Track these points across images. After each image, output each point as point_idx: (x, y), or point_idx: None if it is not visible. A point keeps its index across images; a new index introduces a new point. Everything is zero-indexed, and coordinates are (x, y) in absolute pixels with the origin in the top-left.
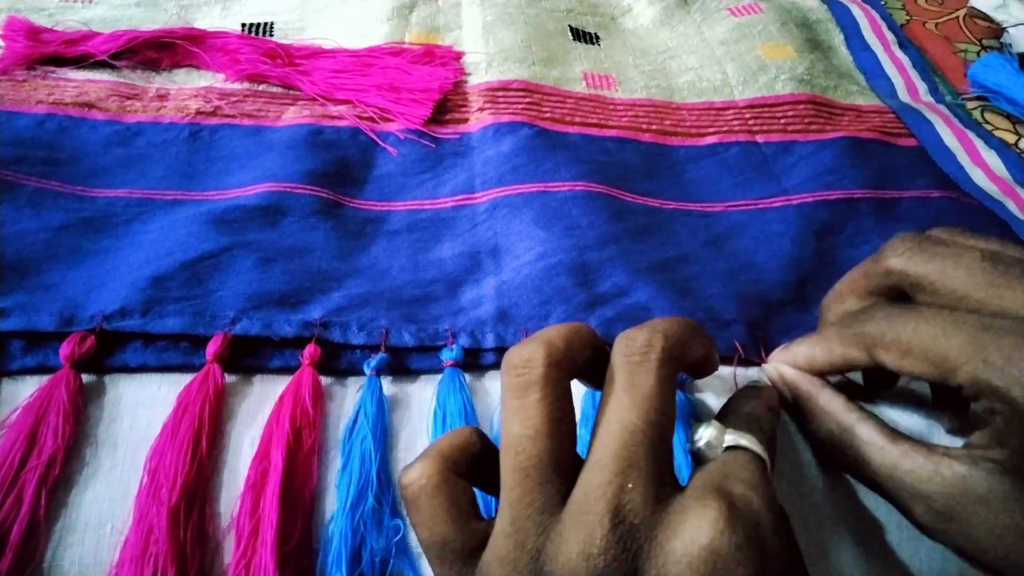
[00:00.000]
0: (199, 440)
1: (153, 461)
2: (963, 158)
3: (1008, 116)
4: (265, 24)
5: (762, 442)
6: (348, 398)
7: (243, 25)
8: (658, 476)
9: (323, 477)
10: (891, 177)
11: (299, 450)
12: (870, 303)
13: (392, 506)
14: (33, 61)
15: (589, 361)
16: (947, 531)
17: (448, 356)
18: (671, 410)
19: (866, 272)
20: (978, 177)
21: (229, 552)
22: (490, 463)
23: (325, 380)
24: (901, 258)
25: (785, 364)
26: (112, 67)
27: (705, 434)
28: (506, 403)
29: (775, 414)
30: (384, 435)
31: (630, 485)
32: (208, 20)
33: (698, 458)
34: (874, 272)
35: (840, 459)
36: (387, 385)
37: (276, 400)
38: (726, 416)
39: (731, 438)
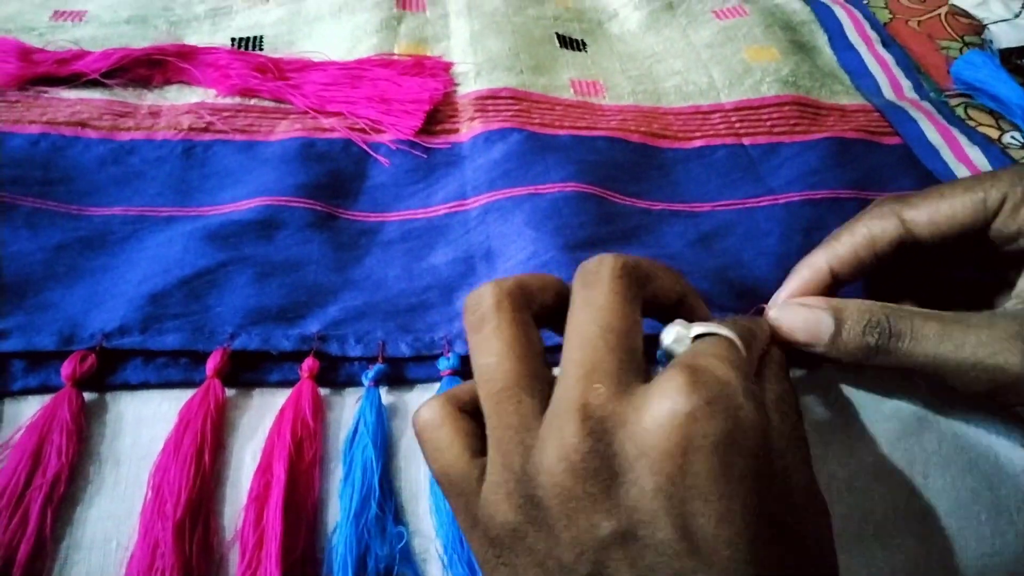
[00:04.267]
0: (202, 455)
1: (157, 477)
2: (947, 155)
3: (991, 112)
4: (255, 38)
5: (734, 329)
6: (347, 409)
7: (233, 40)
8: (624, 374)
9: (325, 488)
10: (875, 177)
11: (300, 462)
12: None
13: (395, 513)
14: (25, 81)
15: (552, 306)
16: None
17: (445, 365)
18: (630, 317)
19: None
20: (962, 174)
21: (234, 564)
22: None
23: (324, 392)
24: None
25: (796, 293)
26: (104, 85)
27: (671, 332)
28: (469, 342)
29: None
30: (384, 444)
31: (596, 385)
32: (198, 36)
33: (670, 357)
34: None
35: (879, 362)
36: (385, 395)
37: (276, 413)
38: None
39: (699, 328)
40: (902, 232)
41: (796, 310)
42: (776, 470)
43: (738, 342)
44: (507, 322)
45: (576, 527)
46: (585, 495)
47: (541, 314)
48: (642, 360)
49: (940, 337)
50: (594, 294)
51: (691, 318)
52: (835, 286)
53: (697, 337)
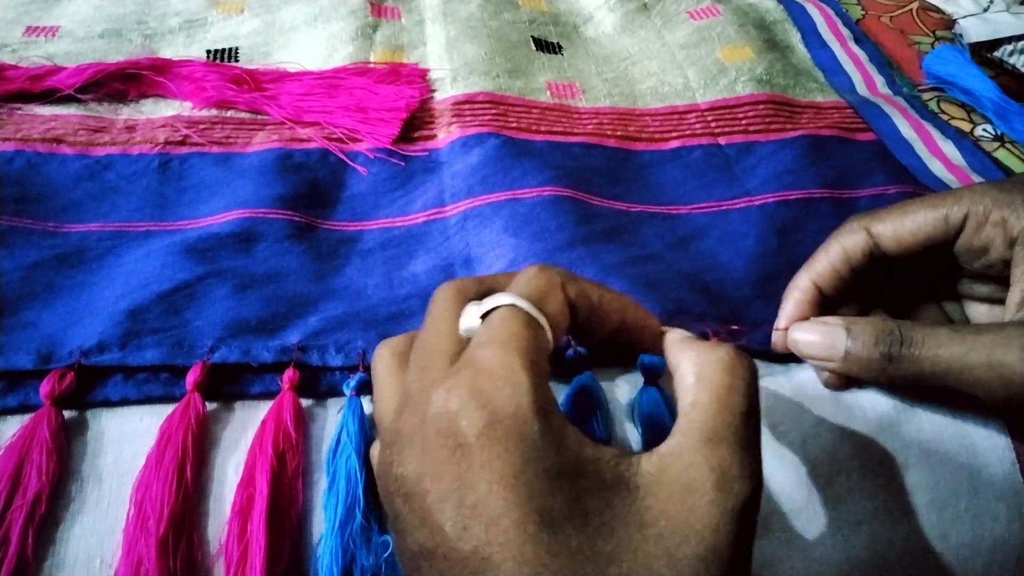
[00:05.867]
0: (183, 469)
1: (139, 493)
2: (920, 149)
3: (963, 105)
4: (230, 50)
5: (525, 291)
6: (330, 419)
7: (208, 52)
8: (429, 383)
9: (309, 499)
10: (849, 175)
11: (283, 474)
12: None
13: (380, 523)
14: None
15: None
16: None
17: None
18: (442, 330)
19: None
20: (936, 168)
21: None
22: None
23: (306, 402)
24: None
25: (793, 314)
26: (79, 101)
27: (465, 316)
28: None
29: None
30: (368, 453)
31: (406, 408)
32: (173, 49)
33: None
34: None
35: (893, 373)
36: (367, 404)
37: (258, 425)
38: None
39: (487, 304)
40: (871, 244)
41: (812, 327)
42: (560, 459)
43: (524, 305)
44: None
45: (402, 542)
46: (400, 513)
47: None
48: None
49: (951, 340)
50: (425, 321)
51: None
52: (825, 303)
53: (487, 314)
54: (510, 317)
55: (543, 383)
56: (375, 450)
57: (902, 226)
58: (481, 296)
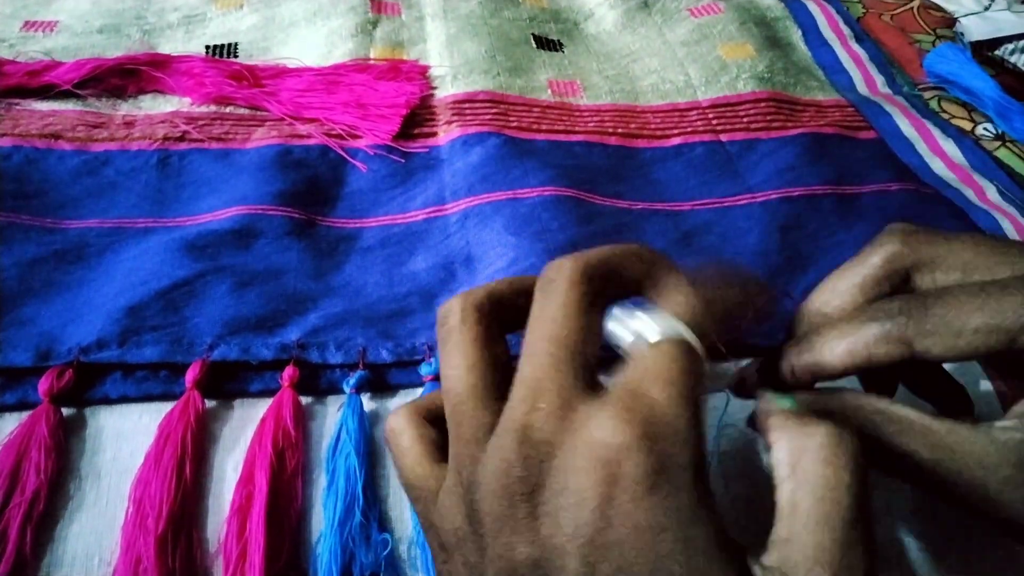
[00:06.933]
0: (182, 467)
1: (138, 491)
2: (922, 148)
3: (964, 104)
4: (229, 46)
5: (696, 326)
6: (329, 417)
7: (207, 48)
8: (568, 390)
9: (308, 496)
10: (851, 172)
11: (283, 472)
12: (875, 298)
13: (380, 520)
14: None
15: (526, 308)
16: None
17: (427, 370)
18: (584, 329)
19: (862, 262)
20: (937, 166)
21: None
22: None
23: (305, 400)
24: (903, 241)
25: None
26: (77, 96)
27: (625, 327)
28: (439, 354)
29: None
30: (367, 451)
31: (540, 404)
32: (172, 44)
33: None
34: (873, 260)
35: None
36: (367, 401)
37: (257, 423)
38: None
39: (656, 333)
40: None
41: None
42: (704, 533)
43: (694, 342)
44: (469, 338)
45: (499, 545)
46: (511, 516)
47: (518, 318)
48: (594, 369)
49: (930, 432)
50: (548, 305)
51: (659, 296)
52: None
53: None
54: (679, 355)
55: (703, 437)
56: (395, 424)
57: (955, 345)
58: (603, 283)
